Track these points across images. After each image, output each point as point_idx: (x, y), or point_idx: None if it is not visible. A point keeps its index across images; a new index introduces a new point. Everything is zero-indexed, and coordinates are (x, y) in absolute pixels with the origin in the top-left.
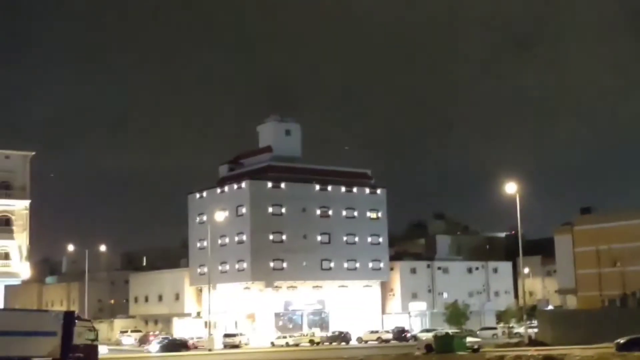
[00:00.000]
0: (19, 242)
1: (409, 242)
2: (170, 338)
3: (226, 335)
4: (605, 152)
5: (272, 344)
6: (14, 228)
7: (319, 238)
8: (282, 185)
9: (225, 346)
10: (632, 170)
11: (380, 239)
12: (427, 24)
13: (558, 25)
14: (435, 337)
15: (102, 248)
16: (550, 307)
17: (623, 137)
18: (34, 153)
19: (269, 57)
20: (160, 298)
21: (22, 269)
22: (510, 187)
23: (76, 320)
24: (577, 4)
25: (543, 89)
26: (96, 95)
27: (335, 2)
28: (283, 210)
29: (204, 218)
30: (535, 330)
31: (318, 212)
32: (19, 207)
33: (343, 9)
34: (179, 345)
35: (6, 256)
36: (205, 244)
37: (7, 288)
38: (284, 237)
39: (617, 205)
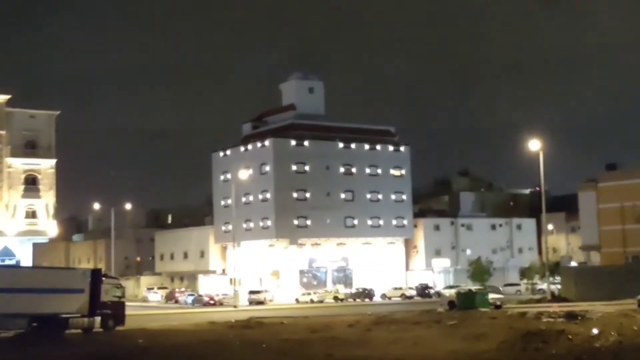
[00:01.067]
0: (45, 200)
1: (432, 199)
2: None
3: (251, 292)
4: (633, 109)
5: (297, 300)
6: (41, 187)
7: (342, 196)
8: (306, 143)
9: (251, 303)
10: None
11: (404, 197)
12: None
13: None
14: (458, 293)
15: (128, 206)
16: (573, 264)
17: None
18: (59, 112)
19: (291, 15)
20: (185, 255)
21: (50, 227)
22: (534, 144)
23: (103, 278)
24: None
25: (569, 45)
26: (120, 53)
27: None
28: (306, 168)
29: (228, 176)
30: (559, 286)
31: (342, 169)
32: (45, 166)
33: None
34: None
35: (33, 214)
36: (229, 202)
37: (35, 246)
38: (307, 194)
39: None
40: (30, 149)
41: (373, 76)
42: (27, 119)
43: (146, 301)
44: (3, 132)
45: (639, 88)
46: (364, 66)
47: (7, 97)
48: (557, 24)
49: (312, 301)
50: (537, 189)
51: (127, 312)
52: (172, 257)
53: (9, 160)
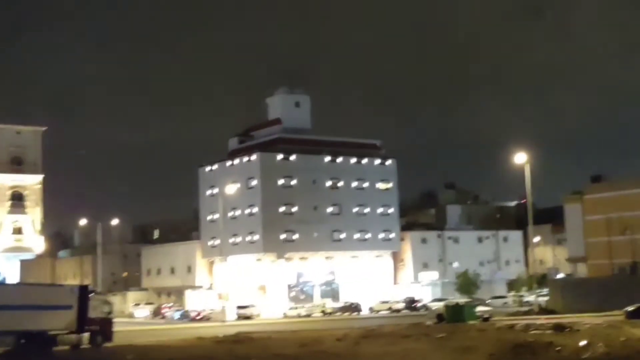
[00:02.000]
0: (32, 216)
1: (419, 212)
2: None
3: (239, 307)
4: (618, 120)
5: (285, 315)
6: (27, 203)
7: (329, 209)
8: (292, 157)
9: (238, 317)
10: None
11: (391, 210)
12: None
13: None
14: (446, 306)
15: (114, 221)
16: (560, 276)
17: (636, 104)
18: (45, 128)
19: (276, 28)
20: (172, 270)
21: (36, 244)
22: (520, 157)
23: (91, 294)
24: None
25: (555, 57)
26: (104, 67)
27: None
28: (293, 182)
29: (215, 191)
30: (546, 298)
31: (328, 183)
32: (31, 182)
33: None
34: None
35: (19, 231)
36: (216, 216)
37: (22, 262)
38: (294, 209)
39: (629, 173)
40: (16, 165)
41: (359, 89)
42: (14, 135)
43: (133, 317)
44: None
45: (625, 100)
46: (350, 79)
47: None
48: (544, 36)
49: (299, 315)
50: (523, 201)
51: (115, 328)
52: (158, 272)
53: None
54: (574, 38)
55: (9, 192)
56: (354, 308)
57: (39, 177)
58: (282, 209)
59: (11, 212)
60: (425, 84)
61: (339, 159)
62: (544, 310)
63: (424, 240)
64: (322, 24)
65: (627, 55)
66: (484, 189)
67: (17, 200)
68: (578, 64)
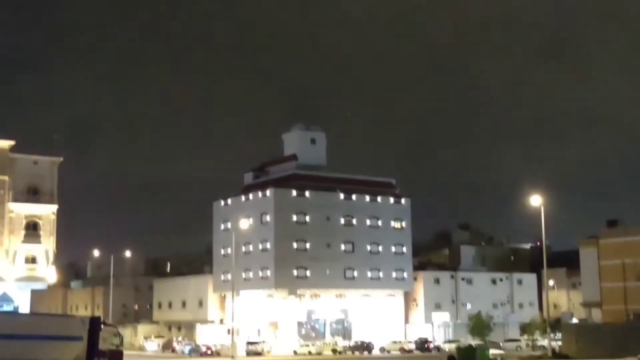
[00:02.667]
0: (45, 246)
1: (433, 252)
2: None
3: (249, 343)
4: (634, 164)
5: (295, 352)
6: (41, 233)
7: (342, 247)
8: (307, 193)
9: (248, 354)
10: None
11: (404, 249)
12: (452, 30)
13: (584, 35)
14: (458, 348)
15: (127, 253)
16: (574, 320)
17: None
18: (62, 159)
19: (294, 65)
20: (183, 304)
21: (49, 274)
22: (535, 200)
23: (102, 326)
24: (603, 14)
25: (570, 99)
26: (122, 100)
27: (358, 10)
28: (307, 218)
29: (229, 225)
30: (560, 343)
31: (342, 221)
32: (46, 212)
33: (366, 15)
34: None
35: (33, 260)
36: (229, 251)
37: (33, 292)
38: (307, 245)
39: None
40: (32, 194)
41: (375, 127)
42: (31, 165)
43: (143, 350)
44: (6, 178)
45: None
46: (366, 117)
47: (11, 142)
48: (560, 78)
49: (310, 353)
50: (538, 243)
51: None
52: (170, 305)
53: (11, 206)
54: (590, 82)
55: (24, 222)
56: (365, 347)
57: (54, 207)
58: (295, 245)
59: (25, 241)
60: (442, 124)
61: (354, 197)
62: (557, 355)
63: (437, 281)
64: (340, 62)
65: None
66: (498, 230)
67: (32, 229)
68: (595, 107)
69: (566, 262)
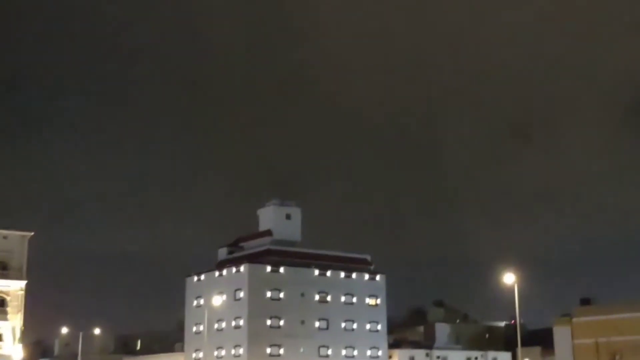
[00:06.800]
0: (12, 323)
1: (408, 330)
2: None
3: None
4: (607, 242)
5: None
6: (9, 309)
7: (317, 324)
8: (281, 269)
9: None
10: (633, 258)
11: (379, 326)
12: (424, 109)
13: (558, 117)
14: None
15: (97, 331)
16: None
17: (623, 226)
18: (32, 233)
19: (268, 141)
20: None
21: (15, 352)
22: (509, 277)
23: None
24: (577, 95)
25: (542, 176)
26: (93, 176)
27: (330, 91)
28: (281, 295)
29: (202, 302)
30: None
31: (317, 297)
32: (14, 288)
33: (340, 94)
34: None
35: None
36: (201, 328)
37: None
38: (281, 322)
39: (618, 294)
40: (1, 270)
41: (350, 203)
42: (0, 240)
43: None
44: None
45: (613, 222)
46: (342, 193)
47: None
48: (531, 158)
49: None
50: (513, 322)
51: None
52: None
53: None
54: (563, 162)
55: None
56: None
57: (23, 283)
58: (268, 322)
59: None
60: (416, 201)
61: (328, 273)
62: None
63: (412, 359)
64: (314, 137)
65: (616, 177)
66: (473, 307)
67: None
68: (568, 186)
69: (541, 340)
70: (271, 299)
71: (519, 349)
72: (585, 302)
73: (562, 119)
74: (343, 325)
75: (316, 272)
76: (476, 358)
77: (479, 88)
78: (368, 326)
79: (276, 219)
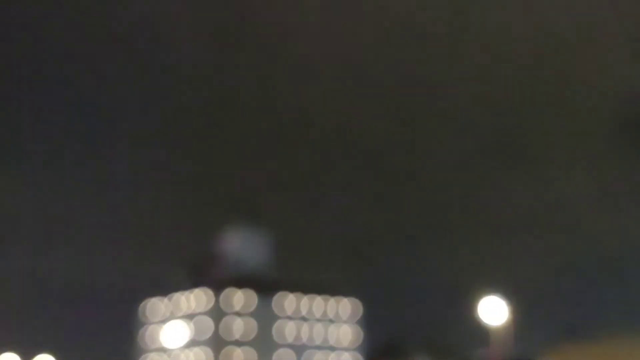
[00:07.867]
0: None
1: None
2: None
3: None
4: (594, 271)
5: None
6: None
7: (290, 352)
8: (250, 296)
9: None
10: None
11: (355, 355)
12: (402, 129)
13: (543, 139)
14: None
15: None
16: None
17: (608, 251)
18: None
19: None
20: None
21: None
22: (491, 308)
23: None
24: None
25: (526, 203)
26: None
27: (298, 112)
28: (251, 322)
29: (159, 329)
30: None
31: (289, 325)
32: None
33: (308, 117)
34: None
35: None
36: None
37: None
38: (248, 349)
39: (605, 324)
40: None
41: (320, 228)
42: None
43: None
44: None
45: (598, 248)
46: (312, 218)
47: None
48: (515, 180)
49: None
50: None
51: None
52: None
53: None
54: (549, 186)
55: None
56: None
57: None
58: (236, 349)
59: None
60: (389, 233)
61: (296, 299)
62: None
63: None
64: (285, 163)
65: (604, 204)
66: (455, 337)
67: None
68: (555, 212)
69: None
70: (239, 327)
71: None
72: (570, 332)
73: (549, 141)
74: (317, 354)
75: (284, 298)
76: None
77: (462, 108)
78: (344, 355)
79: (242, 245)
